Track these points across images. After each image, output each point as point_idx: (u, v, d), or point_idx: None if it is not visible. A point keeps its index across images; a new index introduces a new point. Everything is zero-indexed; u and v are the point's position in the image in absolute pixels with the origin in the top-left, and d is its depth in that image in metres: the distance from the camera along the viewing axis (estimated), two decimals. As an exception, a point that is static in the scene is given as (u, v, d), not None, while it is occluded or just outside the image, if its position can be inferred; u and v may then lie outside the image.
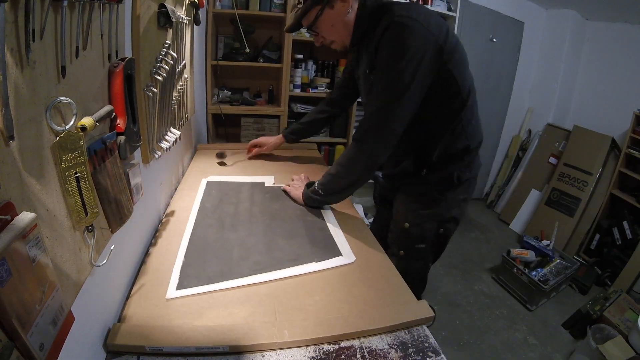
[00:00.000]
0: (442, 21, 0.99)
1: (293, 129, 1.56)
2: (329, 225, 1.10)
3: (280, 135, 1.58)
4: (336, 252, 0.97)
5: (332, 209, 1.20)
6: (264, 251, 0.95)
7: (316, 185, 1.15)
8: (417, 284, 1.28)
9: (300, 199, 1.21)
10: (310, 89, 2.49)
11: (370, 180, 1.24)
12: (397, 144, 1.03)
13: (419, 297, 0.79)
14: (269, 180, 1.40)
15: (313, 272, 0.88)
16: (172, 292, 0.78)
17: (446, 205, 1.13)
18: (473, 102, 1.07)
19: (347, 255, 0.96)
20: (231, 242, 0.98)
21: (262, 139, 1.61)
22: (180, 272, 0.85)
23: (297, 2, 1.01)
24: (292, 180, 1.33)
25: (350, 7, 1.00)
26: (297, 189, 1.24)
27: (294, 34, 2.25)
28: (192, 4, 1.26)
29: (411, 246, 1.18)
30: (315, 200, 1.17)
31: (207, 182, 1.36)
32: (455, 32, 2.75)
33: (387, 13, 0.96)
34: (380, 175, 1.44)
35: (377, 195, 1.53)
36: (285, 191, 1.28)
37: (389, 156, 1.06)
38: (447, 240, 1.22)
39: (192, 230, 1.03)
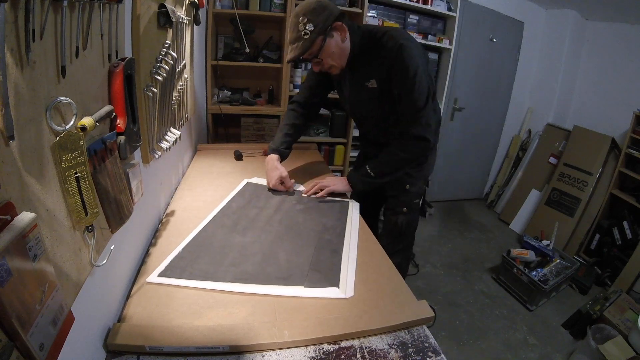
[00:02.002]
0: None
1: (287, 145, 1.45)
2: (345, 250, 0.99)
3: (275, 156, 1.40)
4: (333, 282, 0.85)
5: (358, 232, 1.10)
6: (258, 262, 0.90)
7: (368, 168, 1.32)
8: (413, 235, 1.58)
9: (346, 188, 1.36)
10: (310, 89, 2.49)
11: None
12: (389, 133, 1.33)
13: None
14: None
15: (296, 297, 0.80)
16: (154, 277, 0.82)
17: (427, 166, 1.47)
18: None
19: (344, 288, 0.84)
20: (233, 245, 0.97)
21: (284, 176, 1.35)
22: (170, 261, 0.87)
23: (302, 34, 1.12)
24: (316, 186, 1.34)
25: (347, 34, 1.20)
26: (340, 182, 1.37)
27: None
28: (192, 4, 1.26)
29: (412, 202, 1.47)
30: (366, 183, 1.34)
31: (247, 182, 1.37)
32: (455, 32, 2.76)
33: (386, 37, 1.20)
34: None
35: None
36: (324, 195, 1.33)
37: (382, 143, 1.36)
38: (423, 197, 1.50)
39: (204, 226, 1.04)
